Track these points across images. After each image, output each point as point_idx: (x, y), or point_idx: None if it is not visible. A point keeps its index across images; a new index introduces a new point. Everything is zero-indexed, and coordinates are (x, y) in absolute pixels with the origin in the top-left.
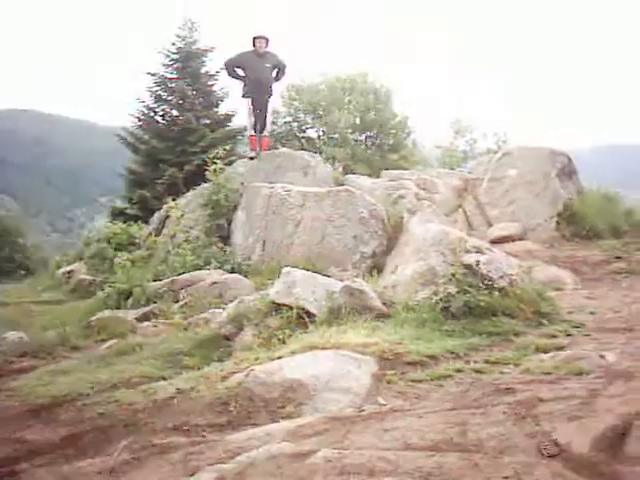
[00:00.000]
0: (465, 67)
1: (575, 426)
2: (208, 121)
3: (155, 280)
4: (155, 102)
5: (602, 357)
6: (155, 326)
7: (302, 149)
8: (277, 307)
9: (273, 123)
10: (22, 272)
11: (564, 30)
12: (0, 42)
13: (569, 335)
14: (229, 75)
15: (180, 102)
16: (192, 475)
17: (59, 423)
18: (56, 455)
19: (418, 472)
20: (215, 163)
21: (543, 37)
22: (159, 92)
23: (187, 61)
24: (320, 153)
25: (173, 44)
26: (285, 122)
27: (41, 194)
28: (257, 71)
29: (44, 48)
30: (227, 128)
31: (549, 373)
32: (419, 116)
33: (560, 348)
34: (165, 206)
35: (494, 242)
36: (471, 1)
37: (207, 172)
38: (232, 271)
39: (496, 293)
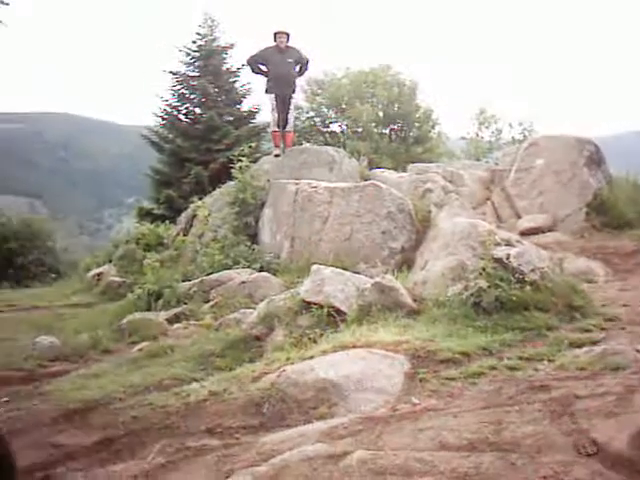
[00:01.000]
0: (485, 56)
1: (612, 423)
2: (231, 118)
3: (184, 280)
4: (178, 101)
5: (638, 351)
6: (186, 327)
7: (326, 144)
8: (307, 306)
9: (296, 118)
10: (52, 275)
11: (587, 13)
12: (27, 46)
13: (603, 329)
14: (252, 71)
15: (203, 100)
16: (226, 478)
17: (93, 427)
18: (91, 459)
19: (455, 473)
20: (240, 161)
21: (567, 21)
22: (182, 90)
23: (208, 58)
24: (344, 147)
25: (194, 42)
26: (308, 117)
27: (69, 196)
28: (279, 66)
29: (69, 50)
30: (251, 125)
31: (584, 369)
32: (442, 107)
33: (594, 343)
34: (192, 205)
35: (523, 234)
36: None
37: (232, 170)
38: (261, 270)
39: (527, 287)
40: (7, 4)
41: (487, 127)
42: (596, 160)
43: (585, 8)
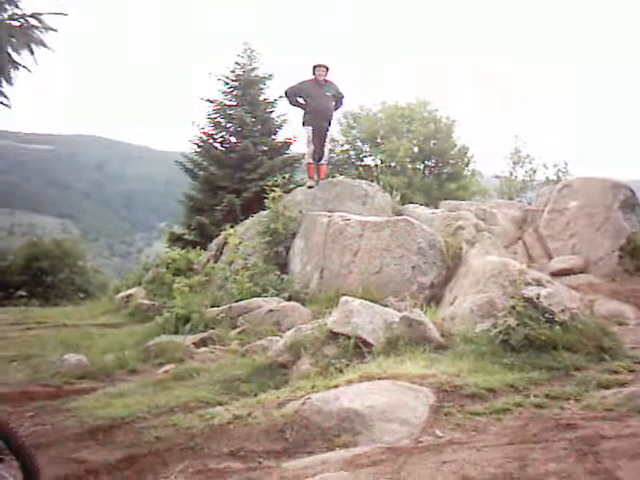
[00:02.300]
0: (527, 95)
1: (638, 465)
2: (266, 148)
3: (213, 306)
4: (214, 129)
5: None
6: (212, 352)
7: (359, 177)
8: (334, 336)
9: (331, 151)
10: (81, 295)
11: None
12: (61, 68)
13: (632, 371)
14: (290, 103)
15: (239, 129)
16: None
17: (116, 445)
18: (113, 477)
19: None
20: (274, 191)
21: (608, 63)
22: (218, 119)
23: (246, 88)
24: (377, 182)
25: (232, 71)
26: (342, 150)
27: (101, 219)
28: (317, 100)
29: (105, 74)
30: (285, 155)
31: (611, 410)
32: (477, 144)
33: (623, 384)
34: (223, 233)
35: (555, 275)
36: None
37: (265, 199)
38: (289, 299)
39: (557, 327)
40: (55, 30)
41: (521, 166)
42: (631, 204)
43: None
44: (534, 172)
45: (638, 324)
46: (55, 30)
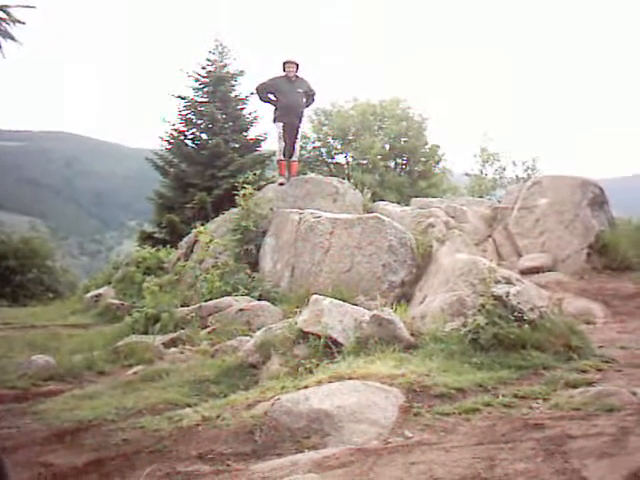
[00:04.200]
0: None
1: (605, 464)
2: (237, 145)
3: (183, 305)
4: (185, 126)
5: (634, 394)
6: (182, 352)
7: (331, 175)
8: (305, 335)
9: (302, 148)
10: (50, 295)
11: (598, 52)
12: (32, 65)
13: (600, 370)
14: (261, 100)
15: (210, 126)
16: None
17: (84, 448)
18: None
19: None
20: (244, 188)
21: (581, 63)
22: (189, 115)
23: (217, 85)
24: (349, 179)
25: (203, 68)
26: (314, 147)
27: (71, 217)
28: (289, 96)
29: (75, 70)
30: (256, 152)
31: (579, 409)
32: (447, 143)
33: (590, 383)
34: (194, 231)
35: (524, 273)
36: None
37: (236, 197)
38: (260, 298)
39: (526, 325)
40: (24, 23)
41: (491, 164)
42: (599, 202)
43: (594, 45)
44: (503, 170)
45: (606, 322)
46: (23, 23)
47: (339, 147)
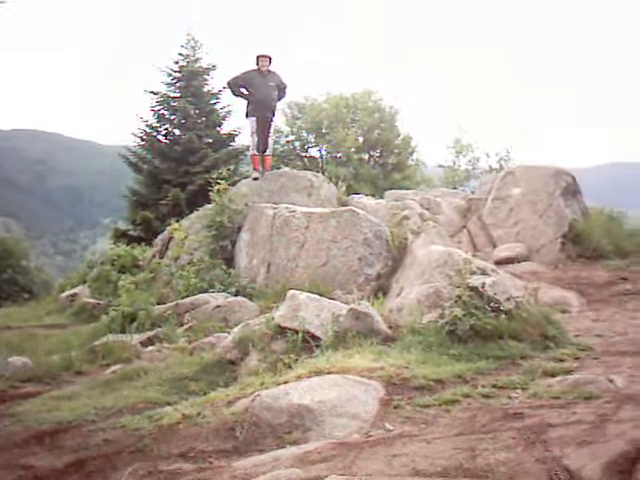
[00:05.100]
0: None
1: (585, 452)
2: (211, 140)
3: (159, 303)
4: (158, 121)
5: (611, 381)
6: (160, 351)
7: (305, 168)
8: (282, 331)
9: (275, 142)
10: (25, 295)
11: (569, 40)
12: (3, 62)
13: (577, 359)
14: (233, 94)
15: (183, 121)
16: None
17: (64, 449)
18: None
19: None
20: (218, 183)
21: (534, 39)
22: (162, 111)
23: (190, 80)
24: (323, 172)
25: (176, 62)
26: (287, 141)
27: (44, 216)
28: (261, 90)
29: (45, 67)
30: (230, 148)
31: (557, 397)
32: (420, 134)
33: (568, 372)
34: (168, 227)
35: (499, 263)
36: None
37: (210, 192)
38: (237, 294)
39: (502, 316)
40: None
41: (464, 156)
42: (572, 191)
43: (567, 36)
44: (477, 161)
45: (581, 311)
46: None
47: (313, 140)
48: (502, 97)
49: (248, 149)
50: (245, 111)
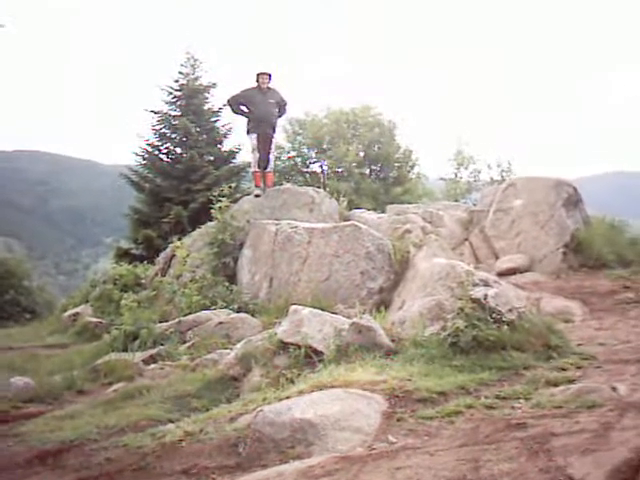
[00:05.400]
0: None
1: (589, 460)
2: (212, 158)
3: (162, 321)
4: (159, 140)
5: (614, 389)
6: (162, 368)
7: (306, 184)
8: (285, 346)
9: (276, 159)
10: (27, 315)
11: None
12: (4, 84)
13: (580, 368)
14: (233, 112)
15: (184, 139)
16: None
17: (67, 469)
18: None
19: None
20: (220, 201)
21: (539, 55)
22: (163, 130)
23: (190, 98)
24: (324, 188)
25: (176, 81)
26: (289, 157)
27: (46, 236)
28: (261, 107)
29: (46, 89)
30: (231, 165)
31: (560, 407)
32: (421, 148)
33: (571, 381)
34: (171, 245)
35: (501, 274)
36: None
37: (212, 210)
38: (239, 310)
39: (505, 327)
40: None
41: (466, 168)
42: (574, 201)
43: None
44: (479, 173)
45: (584, 320)
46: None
47: (314, 156)
48: (504, 104)
49: (249, 166)
50: (246, 128)
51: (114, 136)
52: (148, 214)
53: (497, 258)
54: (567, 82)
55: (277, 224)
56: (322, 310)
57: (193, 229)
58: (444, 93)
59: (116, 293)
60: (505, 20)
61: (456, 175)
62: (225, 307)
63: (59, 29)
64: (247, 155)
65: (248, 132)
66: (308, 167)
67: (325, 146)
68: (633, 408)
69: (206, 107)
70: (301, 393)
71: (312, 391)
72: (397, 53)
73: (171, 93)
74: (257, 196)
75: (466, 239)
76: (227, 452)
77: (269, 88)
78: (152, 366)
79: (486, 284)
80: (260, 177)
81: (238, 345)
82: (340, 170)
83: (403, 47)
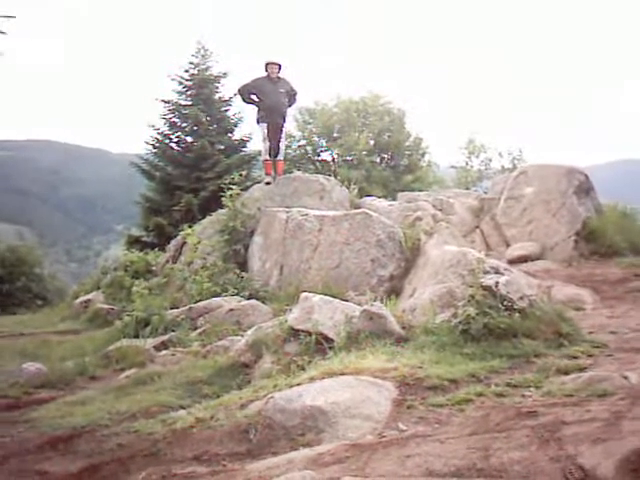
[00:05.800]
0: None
1: (599, 449)
2: (223, 147)
3: (173, 308)
4: (170, 129)
5: (625, 378)
6: (173, 355)
7: (317, 172)
8: (295, 333)
9: (287, 147)
10: (39, 302)
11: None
12: (17, 73)
13: (591, 356)
14: (243, 101)
15: (194, 128)
16: None
17: (78, 454)
18: None
19: None
20: (231, 189)
21: (547, 41)
22: (173, 119)
23: (201, 87)
24: (335, 176)
25: (186, 71)
26: (299, 146)
27: (57, 223)
28: (271, 96)
29: (59, 78)
30: (242, 153)
31: (571, 395)
32: (432, 135)
33: (582, 369)
34: (181, 233)
35: (512, 262)
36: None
37: (223, 198)
38: (250, 297)
39: (516, 314)
40: (4, 33)
41: (477, 156)
42: (585, 189)
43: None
44: (490, 161)
45: (595, 308)
46: (4, 33)
47: (324, 144)
48: (511, 94)
49: (260, 154)
50: (256, 117)
51: (123, 125)
52: (159, 202)
53: (508, 246)
54: (580, 80)
55: (288, 212)
56: (333, 297)
57: (203, 217)
58: (457, 84)
59: (127, 280)
60: (512, 5)
61: (467, 163)
62: (236, 294)
63: (71, 18)
64: (258, 144)
65: (258, 121)
66: (319, 155)
67: (335, 134)
68: None
69: (217, 96)
70: (312, 380)
71: (323, 378)
72: (410, 44)
73: (182, 83)
74: (268, 184)
75: (477, 227)
76: (238, 439)
77: (279, 78)
78: (163, 352)
79: (497, 272)
80: (271, 165)
81: (249, 332)
82: (350, 158)
83: (406, 35)
